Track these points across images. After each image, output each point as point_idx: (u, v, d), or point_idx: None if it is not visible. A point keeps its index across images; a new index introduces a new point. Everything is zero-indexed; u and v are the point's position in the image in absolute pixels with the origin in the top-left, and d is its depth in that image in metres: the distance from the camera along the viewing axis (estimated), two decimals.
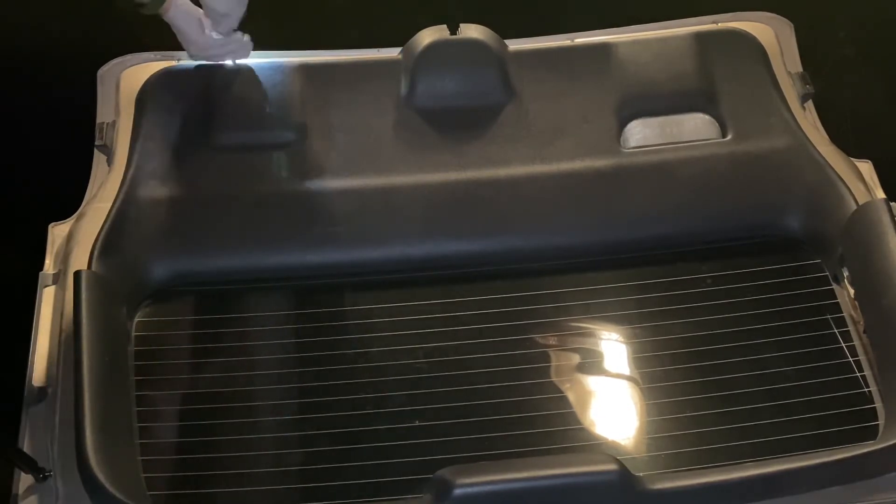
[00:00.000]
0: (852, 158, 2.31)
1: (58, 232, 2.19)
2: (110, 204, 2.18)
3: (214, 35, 2.30)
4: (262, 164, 2.29)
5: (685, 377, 2.06)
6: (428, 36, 2.37)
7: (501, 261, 2.25)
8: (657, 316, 2.15)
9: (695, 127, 2.35)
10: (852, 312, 2.12)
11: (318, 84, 2.36)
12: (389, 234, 2.26)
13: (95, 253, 2.08)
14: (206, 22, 2.29)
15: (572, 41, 2.48)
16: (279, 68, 2.37)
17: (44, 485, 1.84)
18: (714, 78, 2.38)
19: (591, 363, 2.12)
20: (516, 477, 1.75)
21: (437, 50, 2.35)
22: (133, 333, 2.10)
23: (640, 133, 2.35)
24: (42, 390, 1.97)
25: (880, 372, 2.01)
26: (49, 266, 2.16)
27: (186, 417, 2.03)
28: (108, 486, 1.74)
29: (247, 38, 2.35)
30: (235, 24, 2.31)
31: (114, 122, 2.32)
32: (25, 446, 1.90)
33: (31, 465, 1.84)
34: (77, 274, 2.00)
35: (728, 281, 2.20)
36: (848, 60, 3.18)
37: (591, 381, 2.10)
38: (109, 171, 2.26)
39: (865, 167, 2.32)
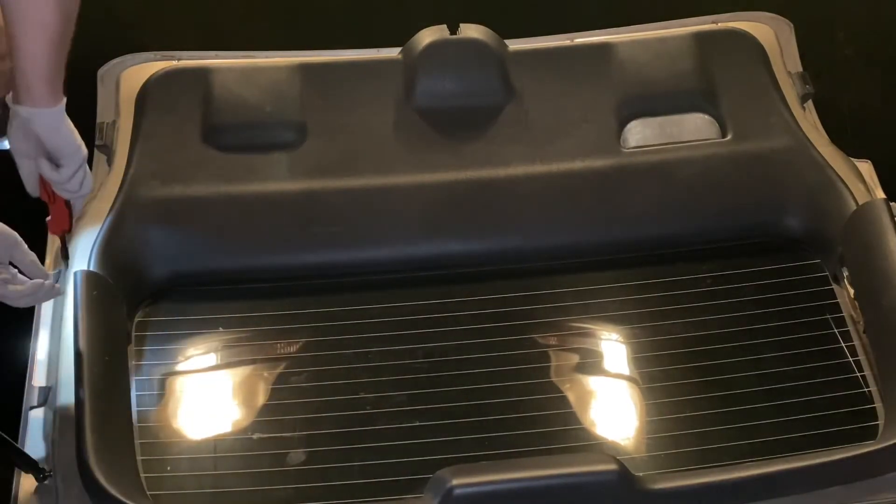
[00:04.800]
0: (852, 158, 2.31)
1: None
2: (110, 204, 2.18)
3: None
4: (262, 164, 2.29)
5: (685, 377, 2.06)
6: (428, 36, 2.37)
7: (501, 261, 2.25)
8: (657, 316, 2.16)
9: (695, 127, 2.36)
10: (852, 312, 2.12)
11: (318, 84, 2.36)
12: (389, 234, 2.26)
13: (95, 253, 2.08)
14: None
15: (572, 41, 2.48)
16: (279, 68, 2.37)
17: (44, 485, 1.83)
18: (714, 78, 2.38)
19: (591, 363, 2.12)
20: (516, 477, 1.74)
21: (437, 50, 2.35)
22: (133, 333, 2.11)
23: (640, 133, 2.35)
24: (42, 390, 1.96)
25: (880, 372, 2.01)
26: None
27: (186, 417, 2.03)
28: (108, 486, 1.74)
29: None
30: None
31: (114, 122, 2.32)
32: (25, 446, 1.90)
33: (31, 465, 1.84)
34: (77, 274, 2.00)
35: (728, 281, 2.21)
36: (848, 60, 3.18)
37: (591, 381, 2.10)
38: (109, 171, 2.26)
39: (865, 167, 2.32)
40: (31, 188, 1.82)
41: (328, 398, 2.05)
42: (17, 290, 1.80)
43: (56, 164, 1.79)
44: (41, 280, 1.84)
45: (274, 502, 1.92)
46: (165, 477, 1.93)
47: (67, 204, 1.87)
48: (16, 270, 1.82)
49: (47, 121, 1.75)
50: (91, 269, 2.05)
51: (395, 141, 2.33)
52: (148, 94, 2.33)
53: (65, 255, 1.98)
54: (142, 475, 1.90)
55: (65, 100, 1.77)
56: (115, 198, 2.19)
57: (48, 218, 1.89)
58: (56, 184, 1.81)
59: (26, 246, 1.84)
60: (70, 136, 1.78)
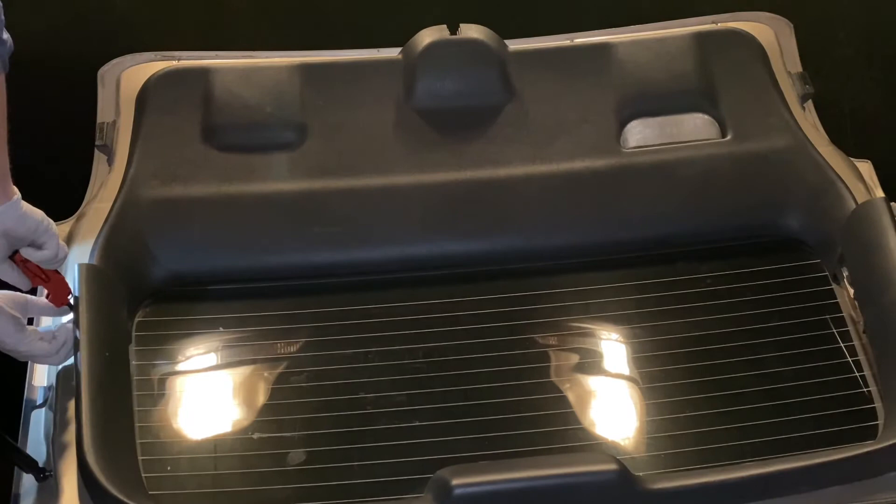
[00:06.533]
0: (852, 158, 2.31)
1: (58, 232, 2.19)
2: (110, 204, 2.18)
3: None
4: (262, 164, 2.29)
5: (685, 377, 2.06)
6: (428, 36, 2.37)
7: (501, 261, 2.25)
8: (657, 316, 2.16)
9: (694, 127, 2.36)
10: (852, 312, 2.12)
11: (318, 84, 2.36)
12: (390, 234, 2.26)
13: (95, 253, 2.08)
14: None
15: (572, 41, 2.48)
16: (279, 68, 2.37)
17: (44, 485, 1.84)
18: (714, 78, 2.38)
19: (591, 363, 2.12)
20: (516, 477, 1.75)
21: (437, 50, 2.35)
22: (134, 333, 2.11)
23: (640, 133, 2.35)
24: (42, 390, 1.97)
25: (880, 372, 2.01)
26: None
27: (186, 417, 2.03)
28: (108, 486, 1.74)
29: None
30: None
31: (114, 122, 2.33)
32: (25, 446, 1.90)
33: (31, 465, 1.84)
34: (80, 267, 2.00)
35: (728, 281, 2.21)
36: (848, 60, 3.18)
37: (591, 381, 2.10)
38: (110, 171, 2.26)
39: (865, 167, 2.32)
40: (24, 284, 1.92)
41: (328, 398, 2.05)
42: (48, 347, 1.93)
43: (37, 246, 1.88)
44: (66, 325, 1.96)
45: (274, 502, 1.92)
46: (166, 477, 1.93)
47: (56, 272, 1.95)
48: (34, 327, 1.96)
49: (12, 213, 1.83)
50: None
51: (395, 141, 2.33)
52: (148, 94, 2.33)
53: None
54: (142, 475, 1.90)
55: (18, 191, 1.84)
56: (115, 198, 2.19)
57: (48, 295, 1.96)
58: (46, 262, 1.90)
59: (34, 297, 1.95)
60: (37, 216, 1.87)
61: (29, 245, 1.89)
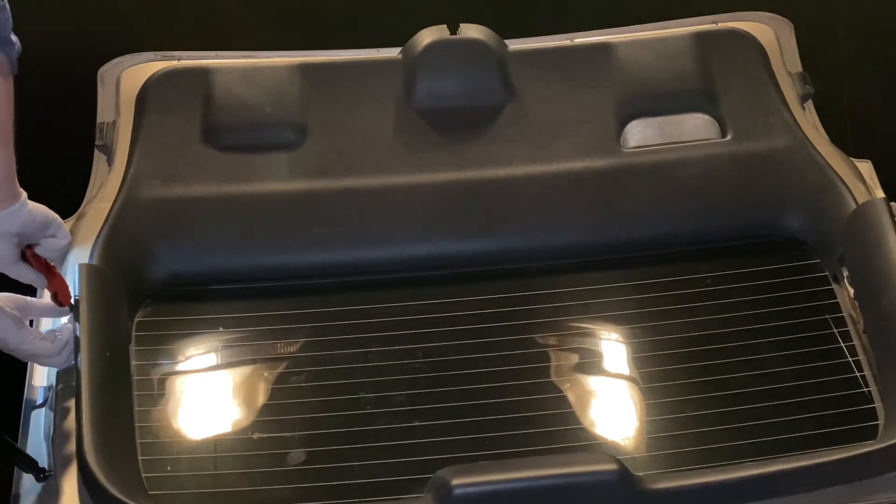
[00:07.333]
0: (852, 158, 2.31)
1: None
2: (110, 204, 2.19)
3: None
4: (262, 164, 2.29)
5: (685, 377, 2.06)
6: (428, 36, 2.37)
7: (501, 261, 2.25)
8: (657, 316, 2.16)
9: (694, 127, 2.36)
10: (852, 312, 2.12)
11: (318, 84, 2.36)
12: (389, 234, 2.26)
13: (96, 253, 2.08)
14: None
15: (572, 41, 2.48)
16: (279, 68, 2.37)
17: (44, 485, 1.84)
18: (714, 78, 2.38)
19: (591, 363, 2.12)
20: (516, 477, 1.75)
21: (437, 50, 2.35)
22: (133, 333, 2.11)
23: (640, 133, 2.35)
24: (42, 390, 1.97)
25: (880, 372, 2.01)
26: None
27: (186, 417, 2.03)
28: (108, 486, 1.74)
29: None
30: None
31: (114, 122, 2.33)
32: (25, 446, 1.90)
33: (31, 465, 1.84)
34: (80, 267, 2.00)
35: (728, 281, 2.21)
36: (848, 60, 3.18)
37: (591, 381, 2.10)
38: (109, 171, 2.26)
39: (865, 167, 2.32)
40: (41, 283, 1.95)
41: (328, 398, 2.05)
42: (51, 346, 1.93)
43: (52, 235, 1.93)
44: (68, 325, 1.96)
45: (274, 502, 1.92)
46: (165, 477, 1.93)
47: (56, 269, 1.99)
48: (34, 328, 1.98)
49: (24, 211, 1.87)
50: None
51: (395, 141, 2.33)
52: (148, 94, 2.33)
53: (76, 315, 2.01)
54: (142, 475, 1.90)
55: (23, 191, 1.88)
56: (115, 198, 2.20)
57: (54, 296, 1.97)
58: (62, 248, 1.96)
59: (34, 299, 1.97)
60: (43, 209, 1.92)
61: (42, 237, 1.93)
